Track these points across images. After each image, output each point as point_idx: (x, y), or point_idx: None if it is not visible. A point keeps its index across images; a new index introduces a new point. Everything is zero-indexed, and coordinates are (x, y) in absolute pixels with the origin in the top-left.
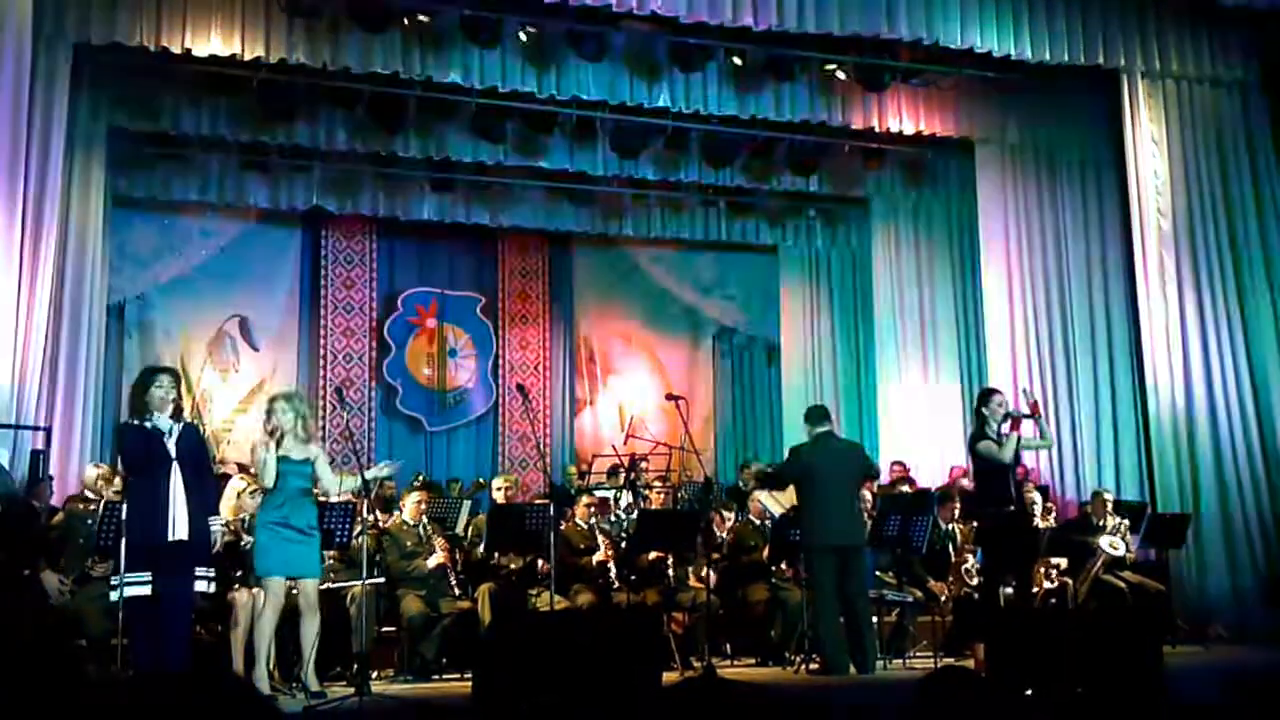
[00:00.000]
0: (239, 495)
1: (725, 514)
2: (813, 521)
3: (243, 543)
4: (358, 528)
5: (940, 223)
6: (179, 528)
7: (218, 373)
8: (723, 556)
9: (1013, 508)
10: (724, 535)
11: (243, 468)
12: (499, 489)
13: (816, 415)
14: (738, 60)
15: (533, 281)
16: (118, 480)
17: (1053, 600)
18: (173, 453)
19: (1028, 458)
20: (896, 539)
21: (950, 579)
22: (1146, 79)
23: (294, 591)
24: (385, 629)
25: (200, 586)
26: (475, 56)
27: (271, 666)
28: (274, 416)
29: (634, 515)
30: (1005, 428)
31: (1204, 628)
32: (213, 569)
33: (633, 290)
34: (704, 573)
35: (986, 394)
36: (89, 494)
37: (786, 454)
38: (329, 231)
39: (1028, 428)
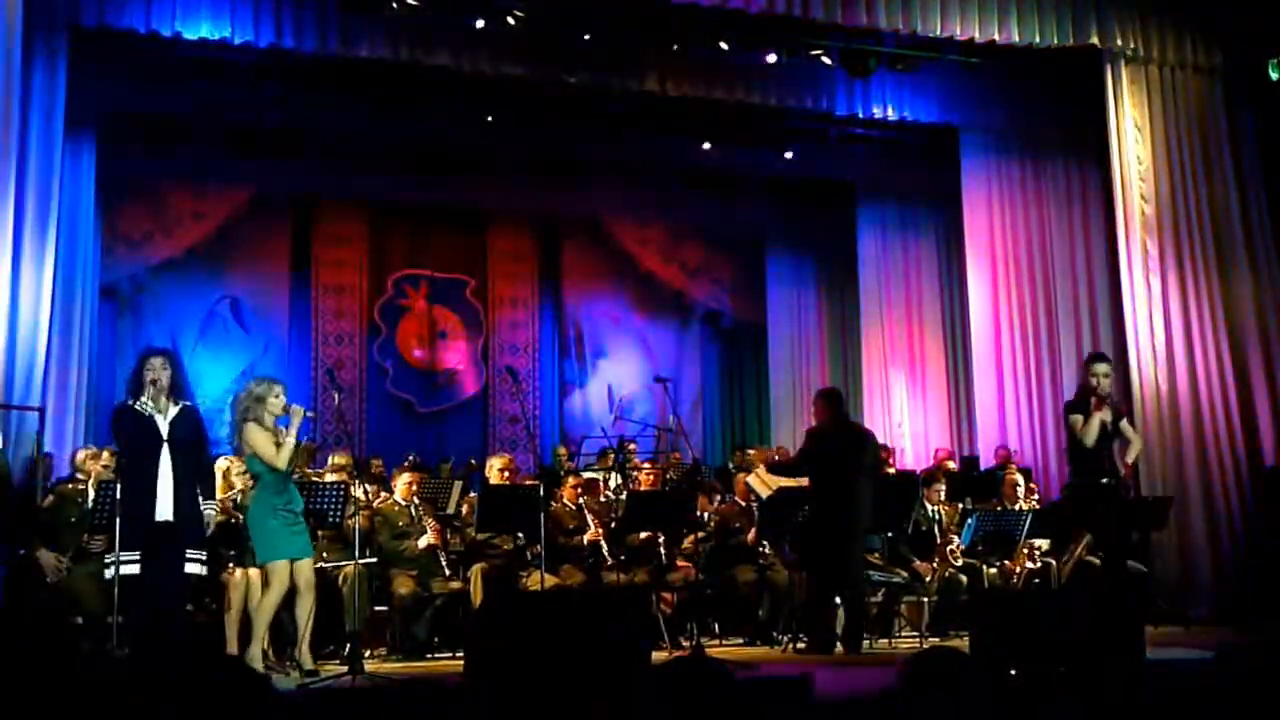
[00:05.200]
0: (224, 474)
1: (713, 495)
2: (831, 503)
3: (233, 520)
4: (350, 508)
5: (925, 208)
6: (165, 509)
7: (209, 354)
8: (707, 536)
9: (1106, 480)
10: (709, 514)
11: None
12: (499, 470)
13: (836, 399)
14: (724, 45)
15: (522, 264)
16: (105, 457)
17: (1036, 581)
18: (164, 434)
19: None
20: (881, 520)
21: (936, 560)
22: (1129, 65)
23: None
24: (377, 609)
25: (191, 568)
26: (464, 39)
27: (265, 646)
28: (272, 401)
29: (623, 496)
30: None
31: (1185, 608)
32: (204, 551)
33: (621, 273)
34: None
35: (1091, 360)
36: (80, 475)
37: (805, 436)
38: (319, 214)
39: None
